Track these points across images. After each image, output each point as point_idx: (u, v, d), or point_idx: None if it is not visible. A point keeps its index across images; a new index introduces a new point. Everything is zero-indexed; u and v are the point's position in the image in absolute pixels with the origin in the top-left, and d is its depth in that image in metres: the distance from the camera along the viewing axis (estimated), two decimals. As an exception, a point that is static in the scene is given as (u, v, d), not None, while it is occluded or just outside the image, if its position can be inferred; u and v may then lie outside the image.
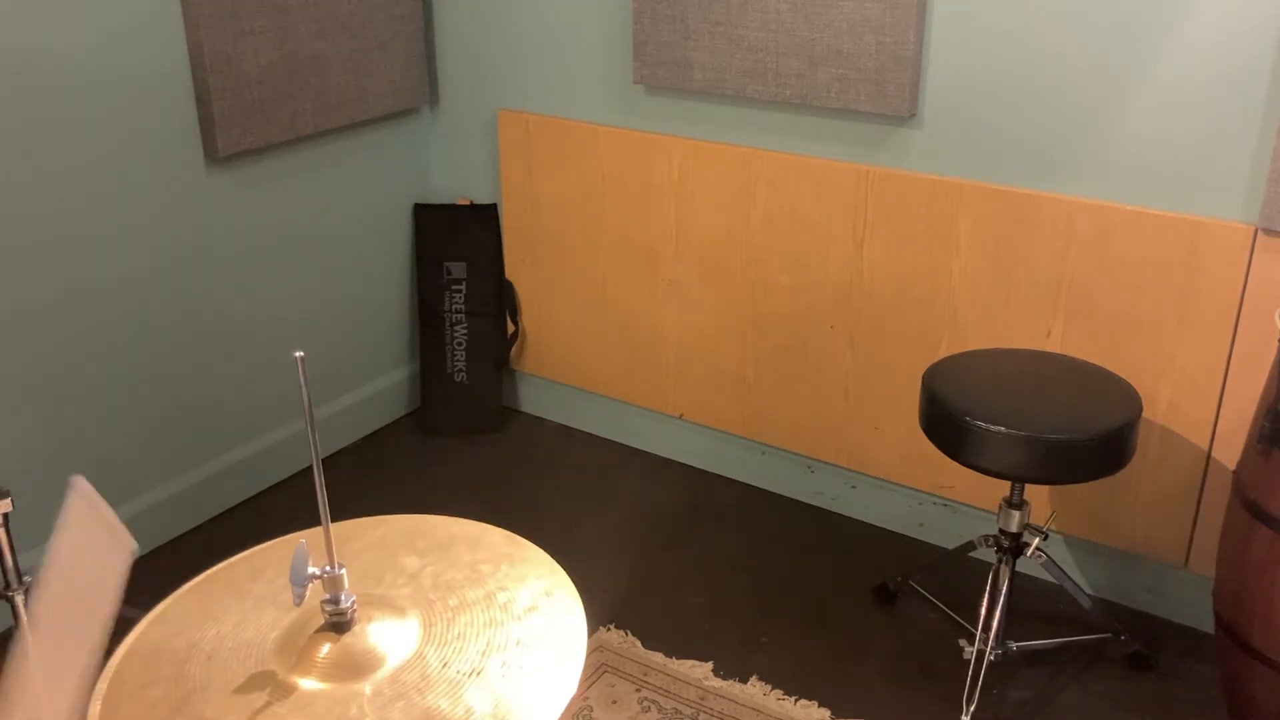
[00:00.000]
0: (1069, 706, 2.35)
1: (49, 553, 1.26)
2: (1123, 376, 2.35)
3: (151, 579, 2.88)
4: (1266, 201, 2.21)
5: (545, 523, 2.98)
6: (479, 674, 1.22)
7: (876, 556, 2.84)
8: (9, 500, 1.97)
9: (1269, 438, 1.98)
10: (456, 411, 3.45)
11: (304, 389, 1.21)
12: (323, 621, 1.26)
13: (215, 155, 2.78)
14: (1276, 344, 2.20)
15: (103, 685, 1.22)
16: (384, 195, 3.34)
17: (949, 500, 2.83)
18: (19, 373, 2.52)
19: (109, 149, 2.59)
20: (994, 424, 2.11)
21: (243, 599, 1.35)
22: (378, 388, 3.46)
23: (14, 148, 2.41)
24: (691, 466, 3.25)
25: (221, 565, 1.44)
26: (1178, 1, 2.25)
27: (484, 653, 1.26)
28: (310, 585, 1.22)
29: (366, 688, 1.20)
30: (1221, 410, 2.39)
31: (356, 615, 1.27)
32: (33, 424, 2.56)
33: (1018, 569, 2.46)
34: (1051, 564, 2.44)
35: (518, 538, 1.48)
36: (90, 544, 1.30)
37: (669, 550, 2.87)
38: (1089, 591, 2.68)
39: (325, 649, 1.24)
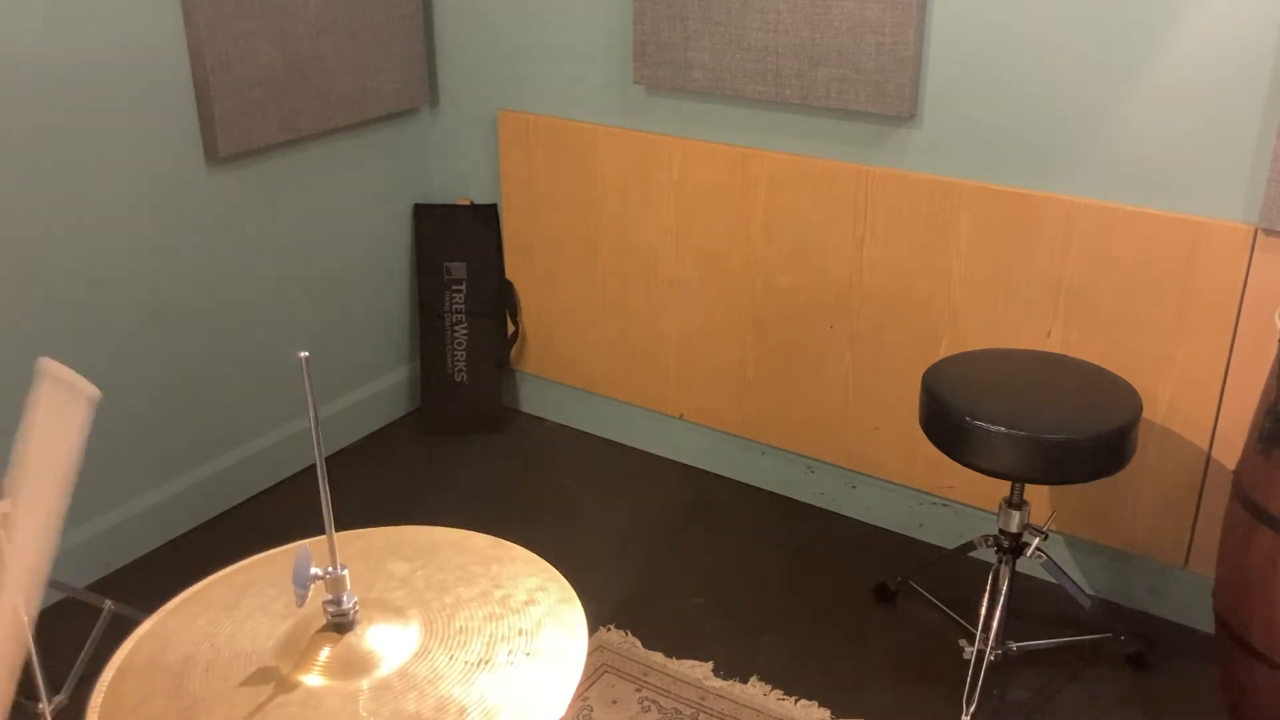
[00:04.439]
0: (1069, 706, 2.35)
1: (22, 438, 1.29)
2: (1123, 376, 2.35)
3: (152, 579, 2.89)
4: (1266, 201, 2.21)
5: (545, 523, 2.98)
6: (487, 663, 1.23)
7: (876, 556, 2.84)
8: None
9: (1269, 438, 1.98)
10: (456, 411, 3.45)
11: (309, 389, 1.21)
12: (324, 624, 1.26)
13: (216, 155, 2.78)
14: (1276, 344, 2.20)
15: (96, 701, 1.21)
16: (384, 195, 3.34)
17: (949, 500, 2.83)
18: (19, 373, 2.52)
19: (110, 149, 2.59)
20: (994, 424, 2.11)
21: (233, 611, 1.34)
22: (378, 388, 3.46)
23: (15, 149, 2.41)
24: (691, 466, 3.25)
25: (205, 581, 1.42)
26: (1177, 1, 2.25)
27: (489, 644, 1.26)
28: (312, 587, 1.22)
29: (365, 684, 1.20)
30: (1221, 410, 2.39)
31: (357, 616, 1.27)
32: (33, 424, 2.56)
33: (1018, 569, 2.46)
34: (1051, 564, 2.44)
35: (502, 541, 1.47)
36: (56, 417, 1.33)
37: (669, 550, 2.88)
38: (1089, 591, 2.68)
39: (328, 650, 1.24)
